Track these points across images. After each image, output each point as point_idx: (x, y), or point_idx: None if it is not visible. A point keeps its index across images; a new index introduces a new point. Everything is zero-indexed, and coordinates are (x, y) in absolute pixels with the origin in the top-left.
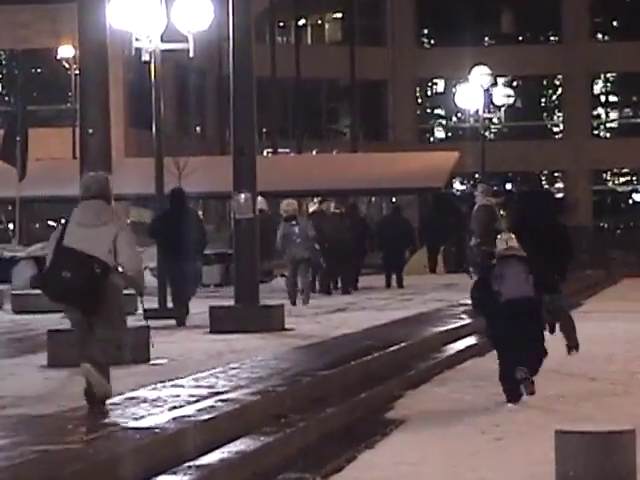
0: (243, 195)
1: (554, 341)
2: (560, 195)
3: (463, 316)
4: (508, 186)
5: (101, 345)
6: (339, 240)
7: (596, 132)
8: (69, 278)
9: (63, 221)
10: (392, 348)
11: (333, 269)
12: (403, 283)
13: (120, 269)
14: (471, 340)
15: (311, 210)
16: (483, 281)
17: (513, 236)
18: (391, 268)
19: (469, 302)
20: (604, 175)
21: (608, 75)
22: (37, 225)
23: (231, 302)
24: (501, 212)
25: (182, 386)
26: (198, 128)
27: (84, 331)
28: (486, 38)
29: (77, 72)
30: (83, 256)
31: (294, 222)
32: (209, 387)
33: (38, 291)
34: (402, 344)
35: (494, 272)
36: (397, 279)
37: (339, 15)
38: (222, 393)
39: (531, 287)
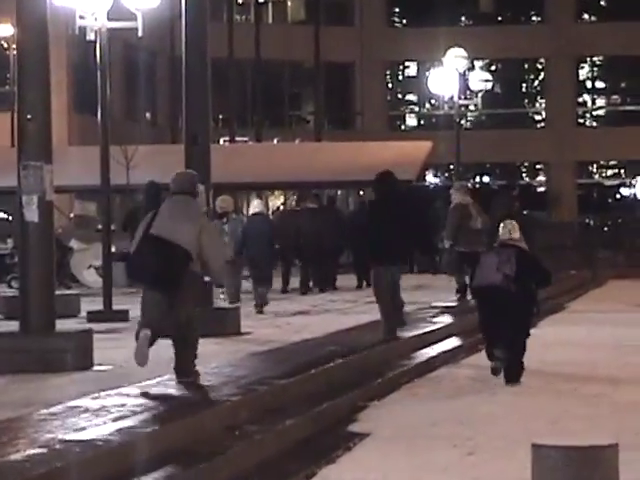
0: None
1: (533, 348)
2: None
3: (435, 320)
4: (485, 179)
5: (183, 330)
6: (315, 237)
7: (581, 121)
8: (155, 264)
9: (152, 212)
10: (357, 355)
11: (309, 267)
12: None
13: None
14: (444, 346)
15: (279, 205)
16: (476, 264)
17: (517, 226)
18: (362, 266)
19: (441, 305)
20: (590, 168)
21: (595, 59)
22: None
23: None
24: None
25: (128, 395)
26: (148, 114)
27: (158, 309)
28: (463, 18)
29: (16, 52)
30: (168, 244)
31: (225, 220)
32: (157, 396)
33: None
34: (368, 350)
35: (484, 256)
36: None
37: None
38: (171, 403)
39: (502, 276)
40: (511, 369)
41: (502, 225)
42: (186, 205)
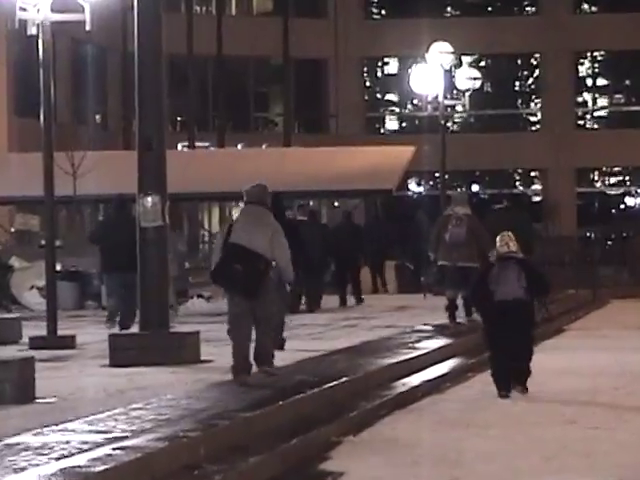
0: (150, 198)
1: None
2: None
3: (418, 345)
4: (474, 188)
5: (263, 332)
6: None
7: (581, 122)
8: (240, 270)
9: (228, 223)
10: (330, 384)
11: (298, 284)
12: (362, 297)
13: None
14: (428, 374)
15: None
16: (481, 280)
17: (513, 238)
18: (345, 283)
19: (425, 328)
20: (591, 175)
21: (596, 54)
22: None
23: (135, 328)
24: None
25: (73, 430)
26: (97, 116)
27: (244, 314)
28: (448, 9)
29: None
30: (251, 253)
31: None
32: (106, 432)
33: None
34: (342, 379)
35: (492, 272)
36: (355, 294)
37: None
38: (122, 439)
39: (522, 289)
40: (522, 375)
41: (499, 238)
42: (259, 214)
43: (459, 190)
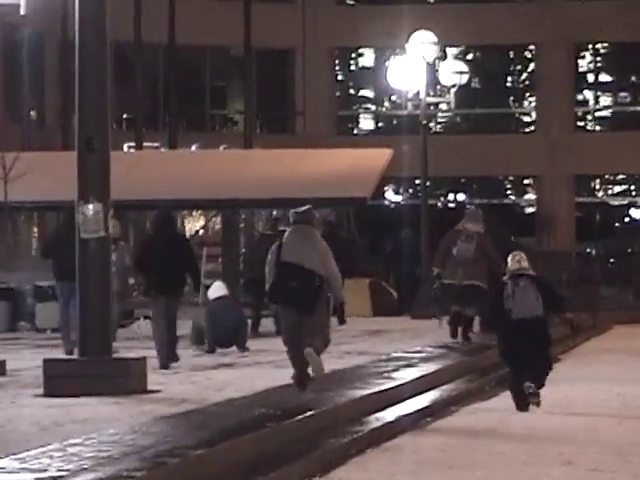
0: (91, 206)
1: (519, 415)
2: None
3: (395, 375)
4: (460, 197)
5: (315, 347)
6: None
7: (581, 124)
8: (296, 287)
9: (278, 243)
10: (295, 418)
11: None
12: (345, 317)
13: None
14: (406, 407)
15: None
16: (495, 298)
17: (524, 255)
18: None
19: (403, 355)
20: (592, 183)
21: (598, 46)
22: None
23: (74, 354)
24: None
25: (3, 468)
26: (33, 112)
27: (297, 330)
28: None
29: None
30: (305, 270)
31: (113, 247)
32: (40, 470)
33: None
34: (308, 413)
35: (506, 290)
36: (337, 314)
37: None
38: (58, 479)
39: (540, 306)
40: (538, 386)
41: (510, 257)
42: (308, 233)
43: (473, 208)
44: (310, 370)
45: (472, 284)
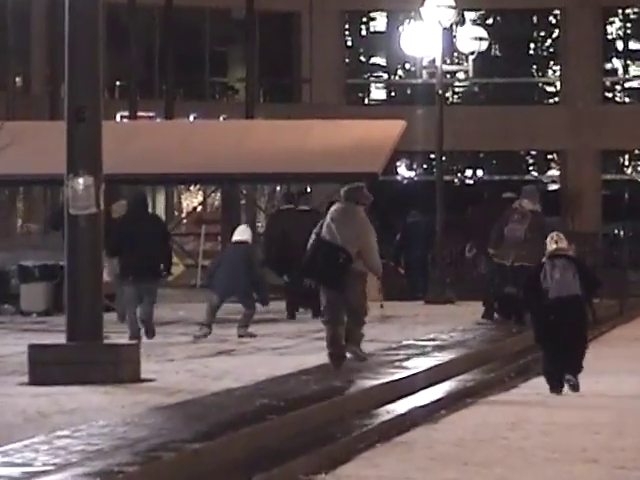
0: (82, 180)
1: (539, 405)
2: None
3: (406, 364)
4: (479, 173)
5: (353, 324)
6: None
7: (609, 95)
8: (322, 262)
9: (322, 221)
10: (298, 411)
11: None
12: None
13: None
14: (418, 399)
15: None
16: (532, 278)
17: (562, 236)
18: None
19: (416, 343)
20: (620, 159)
21: (628, 11)
22: None
23: (62, 339)
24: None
25: None
26: (18, 79)
27: (332, 303)
28: None
29: None
30: (333, 247)
31: None
32: (24, 465)
33: None
34: (313, 405)
35: (543, 270)
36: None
37: None
38: (44, 474)
39: (577, 285)
40: (575, 370)
41: (549, 237)
42: (350, 211)
43: (530, 186)
44: (348, 354)
45: (522, 265)
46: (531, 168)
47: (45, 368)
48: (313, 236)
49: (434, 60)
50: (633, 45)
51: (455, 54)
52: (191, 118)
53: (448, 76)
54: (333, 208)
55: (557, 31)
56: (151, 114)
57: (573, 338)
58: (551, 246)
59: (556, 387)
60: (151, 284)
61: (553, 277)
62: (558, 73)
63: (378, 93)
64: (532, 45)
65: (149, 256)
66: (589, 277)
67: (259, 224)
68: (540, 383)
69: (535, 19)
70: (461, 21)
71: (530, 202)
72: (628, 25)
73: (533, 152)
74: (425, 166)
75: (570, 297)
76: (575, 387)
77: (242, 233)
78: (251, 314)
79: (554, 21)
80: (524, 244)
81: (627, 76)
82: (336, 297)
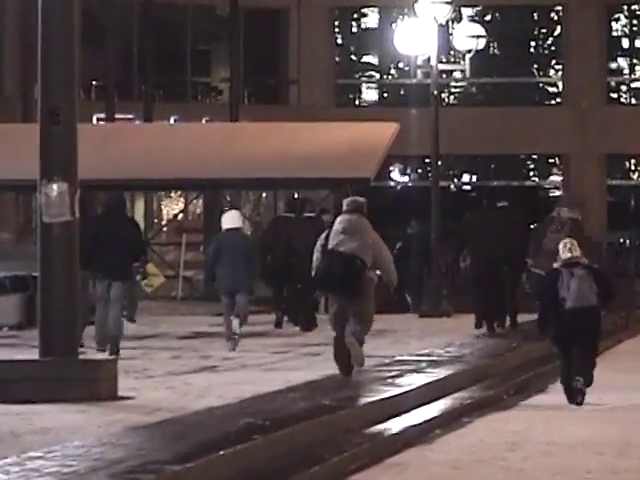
0: (55, 186)
1: (538, 422)
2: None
3: (399, 381)
4: (476, 178)
5: (358, 329)
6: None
7: (614, 95)
8: (339, 272)
9: (326, 232)
10: (285, 430)
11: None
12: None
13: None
14: (412, 418)
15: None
16: (549, 286)
17: (576, 243)
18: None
19: (410, 359)
20: (626, 163)
21: (635, 7)
22: None
23: (35, 354)
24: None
25: None
26: None
27: (342, 312)
28: None
29: None
30: (347, 255)
31: None
32: None
33: None
34: (301, 424)
35: (560, 279)
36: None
37: None
38: None
39: (594, 296)
40: (588, 377)
41: (561, 245)
42: (358, 222)
43: (568, 194)
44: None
45: None
46: (532, 173)
47: (17, 385)
48: (319, 248)
49: (429, 59)
50: (639, 43)
51: (451, 52)
52: (172, 120)
53: (444, 76)
54: (341, 219)
55: (559, 28)
56: (129, 116)
57: (586, 350)
58: (565, 254)
59: (574, 399)
60: (122, 285)
61: (570, 287)
62: (560, 73)
63: (370, 94)
64: (533, 43)
65: (121, 256)
66: (608, 288)
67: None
68: (542, 400)
69: (536, 16)
70: (457, 18)
71: (569, 210)
72: (634, 22)
73: (534, 156)
74: (420, 171)
75: (586, 308)
76: (581, 392)
77: (234, 219)
78: (246, 312)
79: (556, 18)
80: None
81: (633, 76)
82: (347, 305)
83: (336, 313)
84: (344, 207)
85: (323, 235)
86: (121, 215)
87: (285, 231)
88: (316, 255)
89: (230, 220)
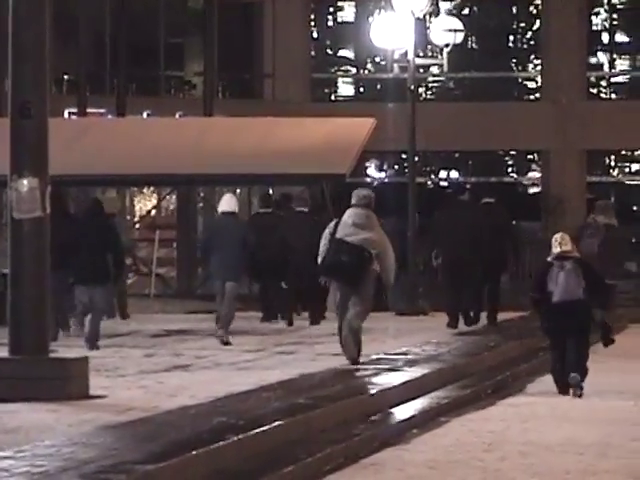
0: (26, 181)
1: (514, 424)
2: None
3: (376, 380)
4: (453, 174)
5: (355, 313)
6: (308, 250)
7: (594, 91)
8: (346, 260)
9: (334, 222)
10: (258, 429)
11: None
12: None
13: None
14: (391, 417)
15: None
16: (539, 279)
17: (567, 237)
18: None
19: (386, 357)
20: (606, 160)
21: (614, 1)
22: None
23: (4, 352)
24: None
25: None
26: None
27: (346, 301)
28: None
29: None
30: (354, 246)
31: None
32: None
33: None
34: (275, 423)
35: (551, 272)
36: (310, 313)
37: None
38: None
39: (581, 290)
40: (583, 370)
41: (553, 239)
42: (365, 215)
43: (605, 200)
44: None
45: None
46: (510, 169)
47: None
48: (328, 236)
49: (406, 53)
50: (620, 37)
51: (429, 47)
52: (144, 115)
53: (421, 70)
54: (351, 212)
55: (538, 22)
56: (101, 110)
57: (577, 343)
58: (555, 249)
59: (563, 390)
60: (100, 289)
61: (558, 280)
62: (539, 67)
63: (346, 89)
64: (511, 37)
65: (98, 259)
66: (597, 281)
67: None
68: (520, 400)
69: (515, 9)
70: (435, 11)
71: (604, 217)
72: (614, 16)
73: (512, 152)
74: (397, 167)
75: (572, 302)
76: (578, 387)
77: (230, 203)
78: (232, 307)
79: (535, 11)
80: (598, 259)
81: (613, 71)
82: (351, 292)
83: (341, 301)
84: (353, 200)
85: (332, 224)
86: (100, 220)
87: (258, 227)
88: (323, 242)
89: (225, 204)
